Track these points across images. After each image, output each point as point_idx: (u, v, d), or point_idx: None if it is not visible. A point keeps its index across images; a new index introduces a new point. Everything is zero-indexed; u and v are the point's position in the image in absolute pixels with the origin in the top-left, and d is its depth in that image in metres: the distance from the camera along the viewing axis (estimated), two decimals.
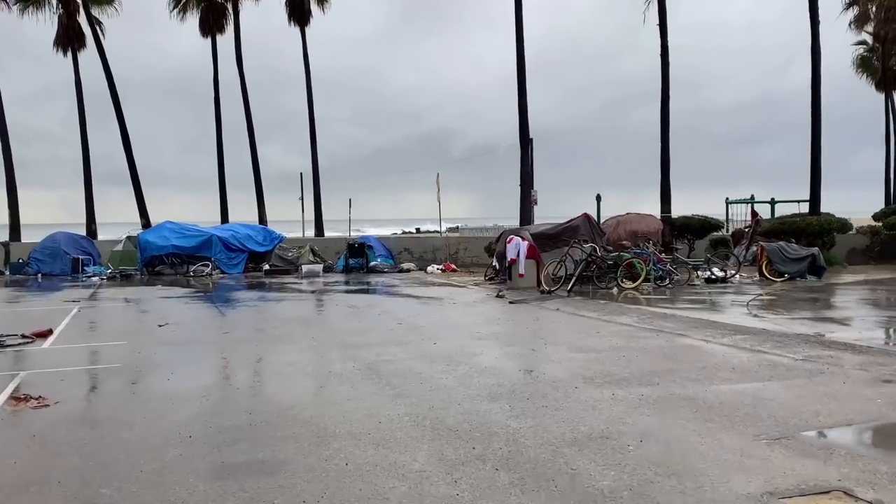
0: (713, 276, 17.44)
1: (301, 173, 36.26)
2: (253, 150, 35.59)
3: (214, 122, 35.36)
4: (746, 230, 22.75)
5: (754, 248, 20.99)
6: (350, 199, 30.24)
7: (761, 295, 14.61)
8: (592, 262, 16.02)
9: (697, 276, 17.49)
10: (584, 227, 17.92)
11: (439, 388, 6.78)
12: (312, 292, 18.50)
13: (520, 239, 16.92)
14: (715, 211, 27.88)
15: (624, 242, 17.23)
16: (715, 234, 24.25)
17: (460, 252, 27.25)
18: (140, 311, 14.45)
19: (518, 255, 16.71)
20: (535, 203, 27.25)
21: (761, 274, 17.87)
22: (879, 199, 38.52)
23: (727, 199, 36.15)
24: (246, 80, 35.01)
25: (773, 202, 31.18)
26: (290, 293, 18.16)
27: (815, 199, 22.59)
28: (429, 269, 25.25)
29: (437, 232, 38.53)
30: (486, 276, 20.21)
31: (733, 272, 18.18)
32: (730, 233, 25.96)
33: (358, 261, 25.24)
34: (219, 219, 34.31)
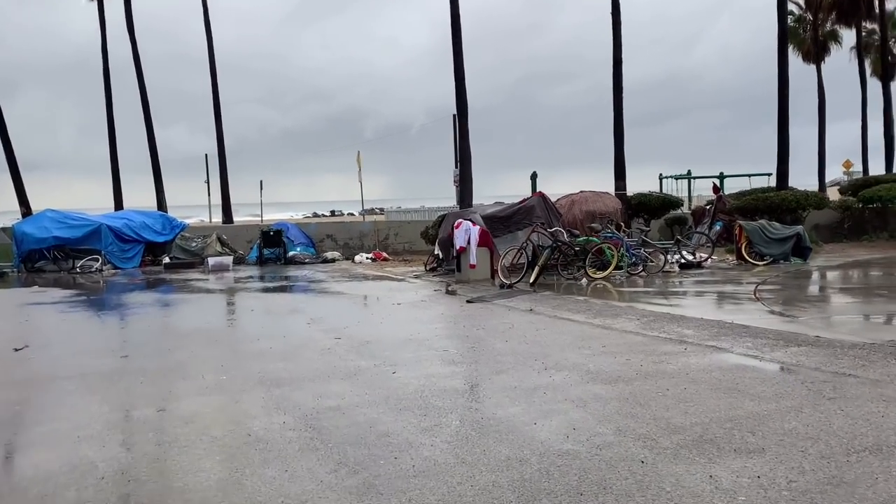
0: (687, 261, 15.45)
1: (206, 155, 32.84)
2: (149, 127, 31.81)
3: (104, 97, 31.49)
4: (708, 207, 21.07)
5: (717, 227, 19.41)
6: (261, 181, 27.06)
7: (759, 284, 12.62)
8: (557, 248, 13.71)
9: (668, 262, 15.45)
10: (540, 208, 15.64)
11: (429, 471, 4.23)
12: (221, 292, 15.57)
13: (470, 223, 14.42)
14: (645, 188, 26.14)
15: (594, 225, 14.99)
16: (673, 212, 22.49)
17: (391, 238, 24.61)
18: None
19: (468, 243, 14.20)
20: (457, 183, 24.92)
21: (740, 256, 15.95)
22: (810, 172, 38.10)
23: (661, 174, 34.78)
24: (138, 47, 31.16)
25: (721, 176, 29.72)
26: (194, 294, 15.17)
27: (783, 172, 21.01)
28: (357, 258, 22.50)
29: (353, 214, 35.75)
30: (426, 266, 17.69)
31: (704, 256, 16.22)
32: (689, 211, 24.31)
33: (274, 251, 22.34)
34: (113, 206, 30.60)
